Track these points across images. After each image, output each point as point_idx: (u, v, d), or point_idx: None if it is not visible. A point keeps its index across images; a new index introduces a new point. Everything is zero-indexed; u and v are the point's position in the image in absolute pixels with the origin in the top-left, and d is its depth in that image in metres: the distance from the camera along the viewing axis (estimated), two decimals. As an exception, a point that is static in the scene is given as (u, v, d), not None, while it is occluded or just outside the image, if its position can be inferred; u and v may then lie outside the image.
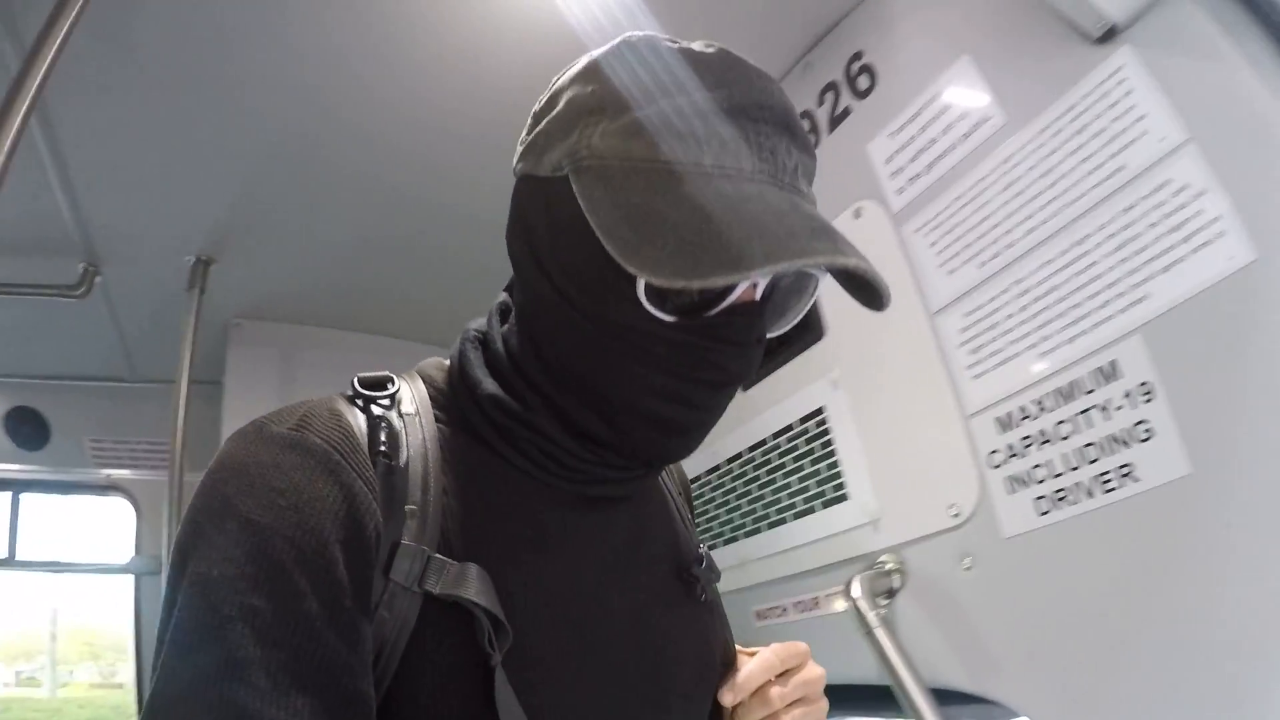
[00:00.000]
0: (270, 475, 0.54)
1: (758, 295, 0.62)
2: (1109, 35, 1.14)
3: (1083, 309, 1.16)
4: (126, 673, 3.10)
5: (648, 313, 0.58)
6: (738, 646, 0.77)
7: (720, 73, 0.60)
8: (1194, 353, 1.04)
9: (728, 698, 0.70)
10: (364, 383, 0.65)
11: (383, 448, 0.59)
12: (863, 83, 1.56)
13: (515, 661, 0.56)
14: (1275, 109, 0.99)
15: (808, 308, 0.67)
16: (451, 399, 0.68)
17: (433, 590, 0.56)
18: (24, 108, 1.08)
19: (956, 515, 1.32)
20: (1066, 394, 1.18)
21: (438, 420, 0.66)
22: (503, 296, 0.72)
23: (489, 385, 0.65)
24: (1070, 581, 1.16)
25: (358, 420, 0.61)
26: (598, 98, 0.60)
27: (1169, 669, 1.03)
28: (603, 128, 0.59)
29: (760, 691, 0.71)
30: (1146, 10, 1.11)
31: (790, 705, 0.71)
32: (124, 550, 2.55)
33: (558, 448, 0.65)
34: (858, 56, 1.55)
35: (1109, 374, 1.12)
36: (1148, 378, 1.08)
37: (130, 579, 2.51)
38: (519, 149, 0.66)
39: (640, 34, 0.64)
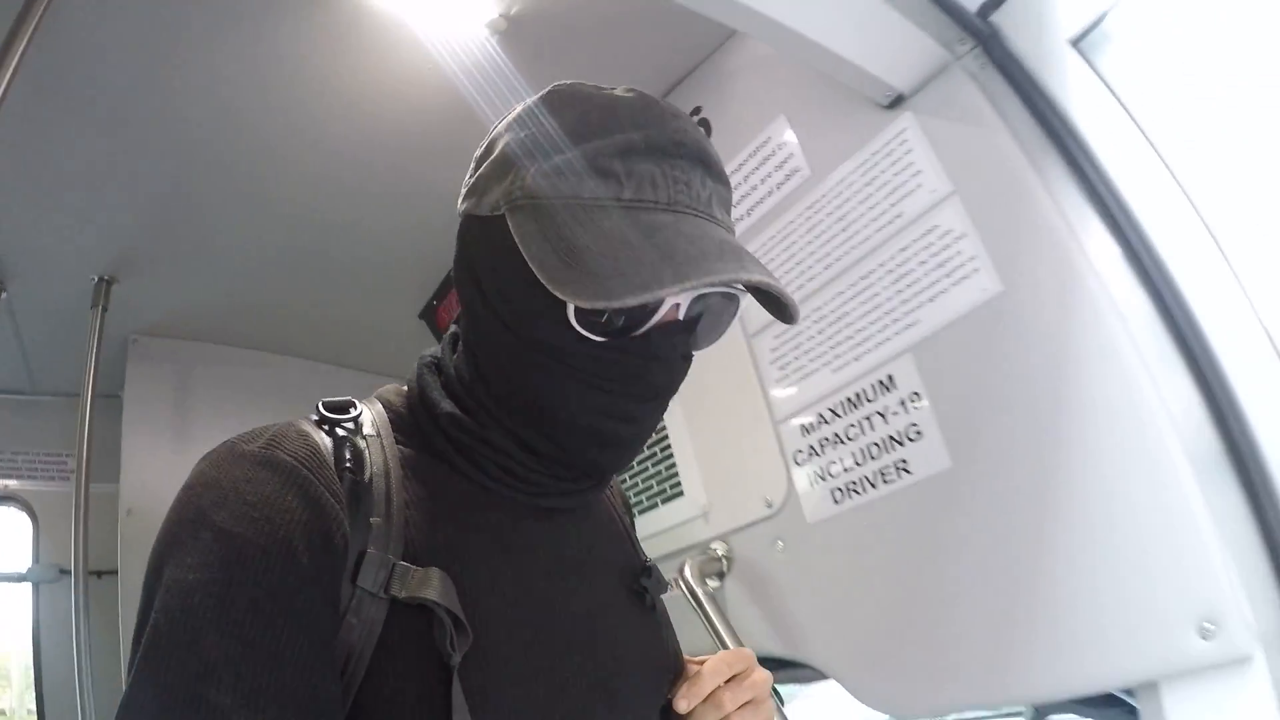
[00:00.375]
0: (243, 489, 0.57)
1: (680, 315, 0.66)
2: (896, 102, 1.37)
3: (866, 332, 1.38)
4: (6, 698, 3.04)
5: (579, 334, 0.63)
6: (686, 656, 0.82)
7: (638, 114, 0.64)
8: (953, 367, 1.25)
9: (683, 704, 0.74)
10: (328, 406, 0.68)
11: (348, 464, 0.62)
12: (701, 135, 1.74)
13: (475, 662, 0.59)
14: (1022, 165, 1.21)
15: (731, 324, 0.72)
16: (411, 421, 0.71)
17: (398, 595, 0.58)
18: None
19: (769, 505, 1.52)
20: (854, 402, 1.40)
21: (398, 442, 0.69)
22: (454, 328, 0.76)
23: (446, 406, 0.69)
24: (862, 559, 1.36)
25: (323, 440, 0.63)
26: (530, 143, 0.65)
27: (941, 629, 1.23)
28: (534, 169, 0.63)
29: (712, 696, 0.75)
30: (927, 82, 1.33)
31: (740, 707, 0.75)
32: (16, 562, 2.55)
33: (512, 461, 0.68)
34: (697, 111, 1.75)
35: (887, 386, 1.34)
36: (917, 388, 1.30)
37: (26, 597, 2.49)
38: (463, 190, 0.71)
39: (567, 83, 0.69)
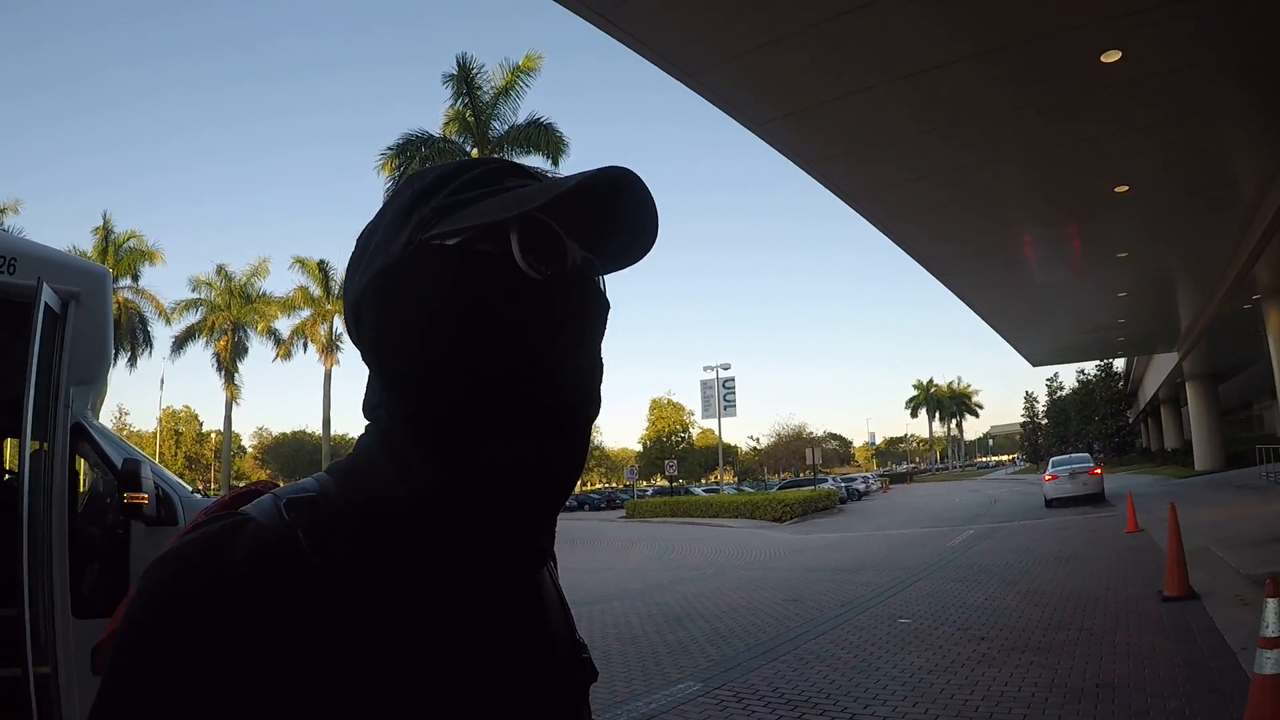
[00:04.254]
0: (194, 600, 0.55)
1: (579, 259, 0.71)
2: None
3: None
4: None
5: (525, 276, 0.66)
6: None
7: (492, 161, 0.76)
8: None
9: None
10: (290, 505, 0.64)
11: (307, 581, 0.59)
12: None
13: None
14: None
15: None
16: (371, 514, 0.66)
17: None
18: None
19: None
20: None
21: (363, 544, 0.64)
22: (369, 426, 0.72)
23: (387, 496, 0.67)
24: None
25: (283, 549, 0.60)
26: (422, 190, 0.71)
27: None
28: (436, 198, 0.70)
29: None
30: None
31: None
32: None
33: (453, 521, 0.66)
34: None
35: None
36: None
37: None
38: (356, 271, 0.72)
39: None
